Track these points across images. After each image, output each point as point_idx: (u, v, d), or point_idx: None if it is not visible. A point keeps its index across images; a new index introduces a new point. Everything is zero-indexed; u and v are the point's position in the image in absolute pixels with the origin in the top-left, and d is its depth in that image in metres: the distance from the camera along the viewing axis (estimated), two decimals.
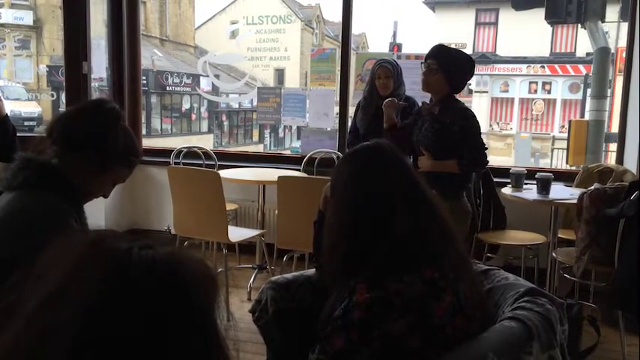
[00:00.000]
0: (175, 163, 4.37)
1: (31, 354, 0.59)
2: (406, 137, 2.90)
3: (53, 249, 0.66)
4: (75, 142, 1.43)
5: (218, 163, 4.44)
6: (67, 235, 0.67)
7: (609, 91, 5.44)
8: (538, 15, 6.79)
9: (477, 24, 18.36)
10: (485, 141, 2.91)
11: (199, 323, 0.64)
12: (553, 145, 13.58)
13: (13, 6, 16.12)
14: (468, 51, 17.94)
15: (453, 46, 3.06)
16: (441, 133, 2.79)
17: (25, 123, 12.46)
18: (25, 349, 0.59)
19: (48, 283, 0.62)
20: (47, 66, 15.53)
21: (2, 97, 3.52)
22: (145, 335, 0.60)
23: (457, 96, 2.91)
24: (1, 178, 1.41)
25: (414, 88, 3.78)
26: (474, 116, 2.85)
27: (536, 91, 18.19)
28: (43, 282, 0.62)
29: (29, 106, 13.77)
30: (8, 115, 3.49)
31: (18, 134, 3.56)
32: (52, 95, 13.87)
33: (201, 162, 4.44)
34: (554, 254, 3.32)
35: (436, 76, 2.79)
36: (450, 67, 2.80)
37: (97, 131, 1.44)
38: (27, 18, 16.26)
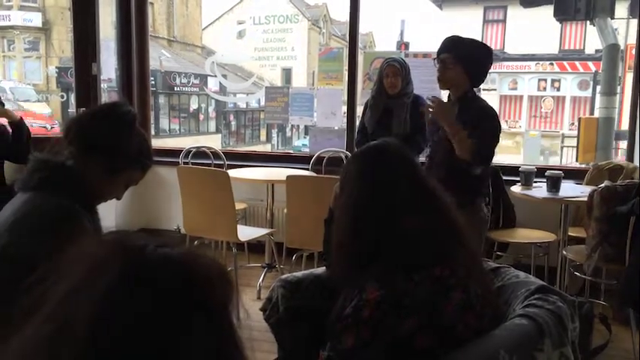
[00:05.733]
0: (184, 163, 4.39)
1: (50, 347, 0.60)
2: None
3: (73, 250, 0.67)
4: (90, 145, 1.44)
5: (227, 162, 4.45)
6: (86, 236, 0.69)
7: (619, 88, 5.39)
8: (547, 12, 6.76)
9: (485, 21, 18.27)
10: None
11: (215, 321, 0.64)
12: (562, 142, 13.47)
13: (22, 8, 16.22)
14: None
15: None
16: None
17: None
18: (43, 343, 0.60)
19: (67, 281, 0.63)
20: (56, 67, 15.62)
21: (7, 102, 3.56)
22: (160, 333, 0.60)
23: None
24: (17, 178, 1.43)
25: (423, 86, 3.78)
26: (497, 116, 2.62)
27: (545, 89, 18.08)
28: (62, 280, 0.63)
29: (39, 108, 13.86)
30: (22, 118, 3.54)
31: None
32: (62, 96, 13.95)
33: (209, 162, 4.45)
34: (564, 252, 3.30)
35: (454, 70, 2.56)
36: (468, 57, 2.57)
37: (111, 134, 1.46)
38: (36, 20, 16.36)
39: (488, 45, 2.79)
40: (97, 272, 0.62)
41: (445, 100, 2.76)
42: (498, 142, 2.60)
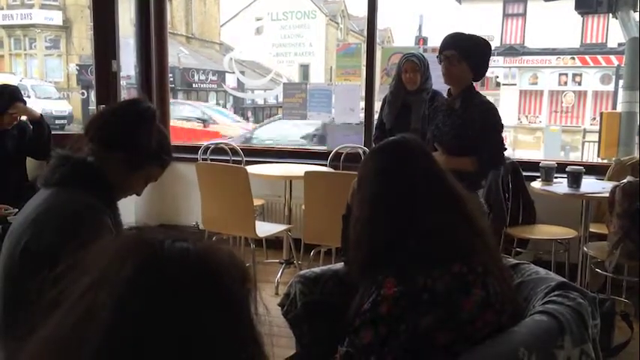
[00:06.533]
0: (203, 160, 4.42)
1: (71, 339, 0.61)
2: None
3: (94, 245, 0.69)
4: (110, 141, 1.46)
5: (245, 159, 4.47)
6: (107, 232, 0.71)
7: None
8: (568, 5, 6.66)
9: (505, 15, 18.06)
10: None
11: (233, 315, 0.65)
12: (584, 138, 13.27)
13: (43, 6, 16.45)
14: (496, 43, 17.72)
15: None
16: (462, 130, 2.63)
17: (56, 121, 12.71)
18: (65, 336, 0.61)
19: (88, 275, 0.65)
20: (77, 65, 15.81)
21: (27, 99, 3.61)
22: (178, 326, 0.61)
23: (485, 88, 2.81)
24: (39, 175, 1.46)
25: (441, 81, 3.75)
26: (497, 112, 2.70)
27: (566, 83, 17.82)
28: (84, 275, 0.65)
29: (60, 105, 14.06)
30: (43, 115, 3.60)
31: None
32: (82, 94, 14.12)
33: (228, 158, 4.48)
34: (585, 249, 3.26)
35: (460, 66, 2.63)
36: (472, 53, 2.65)
37: (131, 131, 1.47)
38: (57, 18, 16.57)
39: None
40: (117, 267, 0.63)
41: (445, 95, 2.85)
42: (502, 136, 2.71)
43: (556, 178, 3.47)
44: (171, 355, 0.60)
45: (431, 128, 2.78)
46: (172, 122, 6.15)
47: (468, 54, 2.63)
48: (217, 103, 19.43)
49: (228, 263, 0.67)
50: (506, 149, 2.76)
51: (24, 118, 3.55)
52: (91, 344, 0.59)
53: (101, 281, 0.63)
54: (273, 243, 4.22)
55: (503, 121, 2.74)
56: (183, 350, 0.60)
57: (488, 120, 2.64)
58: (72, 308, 0.63)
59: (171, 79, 14.26)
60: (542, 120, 17.81)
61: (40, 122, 3.53)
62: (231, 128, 11.40)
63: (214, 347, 0.62)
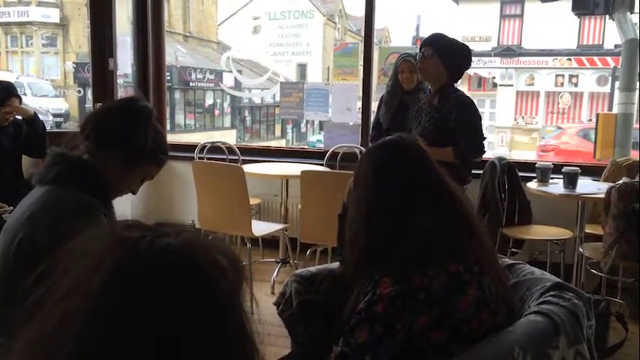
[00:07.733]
0: (199, 158, 4.41)
1: (50, 342, 0.59)
2: None
3: (77, 243, 0.66)
4: (106, 140, 1.46)
5: (241, 158, 4.47)
6: (90, 229, 0.68)
7: (638, 83, 5.31)
8: (565, 6, 6.67)
9: (502, 16, 18.09)
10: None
11: (224, 312, 0.62)
12: None
13: (40, 4, 16.41)
14: (493, 44, 17.76)
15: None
16: (440, 123, 2.77)
17: (54, 119, 12.68)
18: (46, 337, 0.60)
19: (71, 275, 0.62)
20: (74, 63, 15.77)
21: (23, 97, 3.60)
22: (164, 327, 0.59)
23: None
24: (34, 172, 1.45)
25: None
26: (473, 104, 2.85)
27: (562, 84, 17.87)
28: (67, 274, 0.63)
29: (56, 103, 14.02)
30: (37, 113, 3.59)
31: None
32: (79, 91, 14.09)
33: (224, 157, 4.47)
34: (580, 249, 3.27)
35: (431, 61, 2.77)
36: (445, 51, 2.78)
37: (127, 129, 1.47)
38: (54, 16, 16.53)
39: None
40: (93, 268, 0.61)
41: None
42: (481, 126, 2.85)
43: (552, 178, 3.48)
44: (159, 358, 0.58)
45: (415, 125, 2.89)
46: None
47: (441, 51, 2.77)
48: (214, 102, 19.40)
49: (216, 258, 0.64)
50: (485, 138, 2.87)
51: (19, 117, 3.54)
52: (71, 350, 0.57)
53: (77, 286, 0.61)
54: (270, 242, 4.22)
55: (481, 114, 2.89)
56: (172, 353, 0.58)
57: (463, 111, 2.76)
58: (51, 312, 0.61)
59: (169, 77, 14.23)
60: (538, 121, 17.86)
61: (33, 120, 3.52)
62: None
63: (205, 348, 0.60)
